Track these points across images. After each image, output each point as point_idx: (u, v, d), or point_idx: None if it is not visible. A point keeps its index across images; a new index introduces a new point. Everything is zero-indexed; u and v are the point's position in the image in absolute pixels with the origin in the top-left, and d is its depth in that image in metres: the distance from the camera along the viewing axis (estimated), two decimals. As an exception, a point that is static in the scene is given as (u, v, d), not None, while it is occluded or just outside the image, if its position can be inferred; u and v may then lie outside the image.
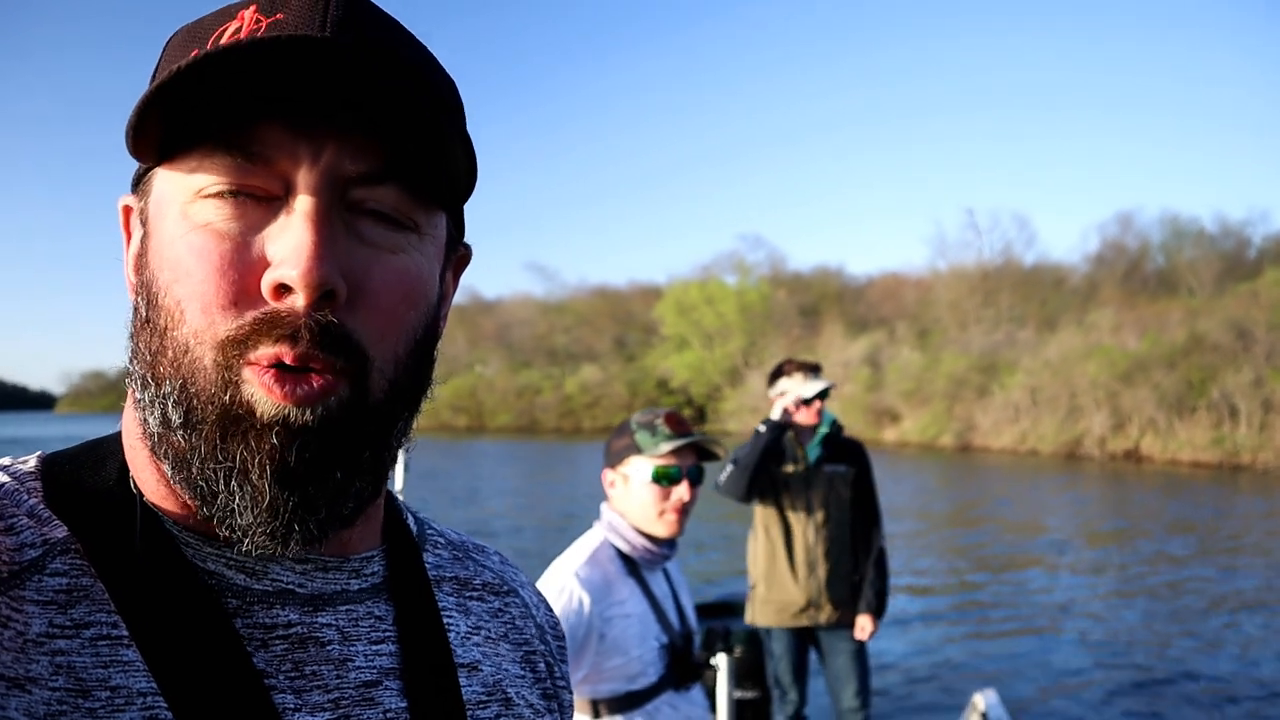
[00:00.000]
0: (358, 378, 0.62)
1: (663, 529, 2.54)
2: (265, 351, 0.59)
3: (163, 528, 0.64)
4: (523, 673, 0.81)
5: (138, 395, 0.64)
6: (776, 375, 4.70)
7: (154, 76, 0.66)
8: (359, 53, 0.58)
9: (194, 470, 0.61)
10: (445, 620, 0.76)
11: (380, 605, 0.72)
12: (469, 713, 0.72)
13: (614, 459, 2.61)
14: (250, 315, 0.59)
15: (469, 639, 0.77)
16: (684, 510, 2.55)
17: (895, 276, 66.39)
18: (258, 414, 0.59)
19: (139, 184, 0.68)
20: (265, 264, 0.60)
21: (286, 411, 0.60)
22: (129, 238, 0.69)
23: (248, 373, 0.60)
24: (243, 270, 0.60)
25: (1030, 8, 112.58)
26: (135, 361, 0.65)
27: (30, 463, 0.67)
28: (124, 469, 0.67)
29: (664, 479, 2.52)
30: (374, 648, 0.69)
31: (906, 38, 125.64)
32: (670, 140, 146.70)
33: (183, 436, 0.61)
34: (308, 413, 0.60)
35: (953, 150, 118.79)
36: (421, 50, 0.68)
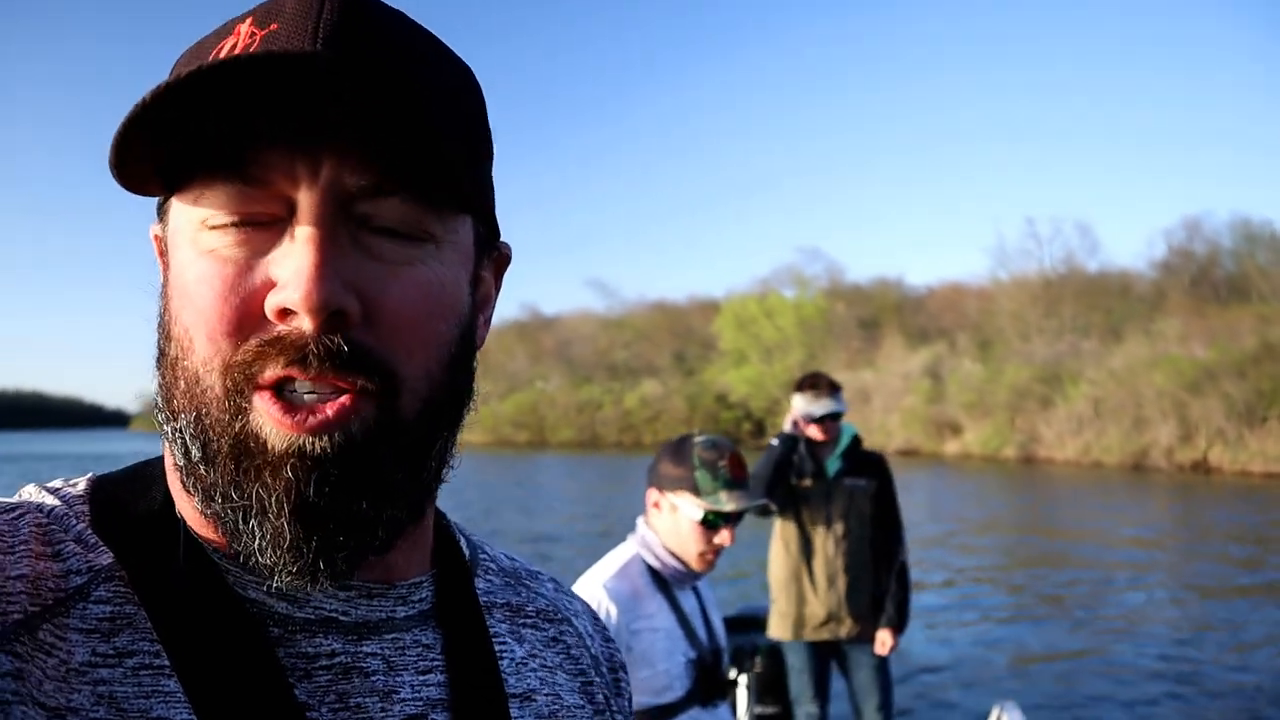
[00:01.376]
0: (386, 397, 0.61)
1: (698, 565, 2.56)
2: (273, 374, 0.58)
3: (205, 555, 0.63)
4: (581, 703, 0.78)
5: (164, 428, 0.64)
6: (795, 390, 4.76)
7: None
8: (346, 64, 0.55)
9: (217, 506, 0.60)
10: (498, 647, 0.74)
11: (428, 633, 0.70)
12: None
13: (667, 484, 2.59)
14: (255, 340, 0.58)
15: (524, 666, 0.75)
16: (720, 552, 2.58)
17: (955, 287, 65.72)
18: (269, 446, 0.58)
19: (160, 211, 0.67)
20: (270, 287, 0.59)
21: (300, 441, 0.58)
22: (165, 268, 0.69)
23: (257, 400, 0.58)
24: (246, 295, 0.59)
25: (1090, 11, 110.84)
26: (159, 394, 0.64)
27: (80, 485, 0.67)
28: (168, 494, 0.67)
29: (711, 524, 2.52)
30: (421, 678, 0.67)
31: (962, 46, 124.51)
32: (728, 155, 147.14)
33: (204, 471, 0.60)
34: (324, 440, 0.58)
35: (1012, 158, 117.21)
36: (424, 48, 0.65)
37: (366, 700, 0.64)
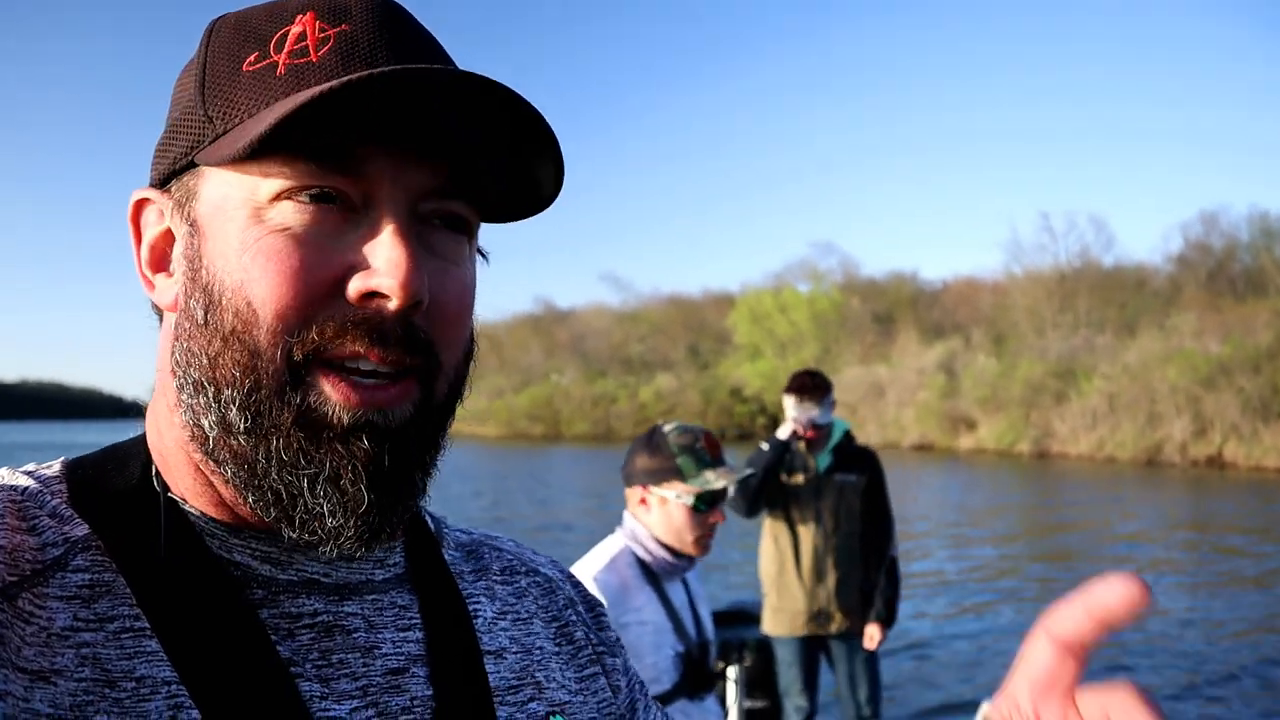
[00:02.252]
0: (427, 381, 0.65)
1: (695, 551, 2.58)
2: (351, 350, 0.61)
3: (187, 522, 0.65)
4: (557, 648, 0.82)
5: (186, 398, 0.64)
6: (787, 391, 4.76)
7: (205, 71, 0.67)
8: (459, 85, 0.60)
9: (266, 475, 0.62)
10: (471, 607, 0.77)
11: (404, 595, 0.73)
12: (498, 698, 0.73)
13: (650, 478, 2.60)
14: (337, 317, 0.61)
15: (495, 624, 0.78)
16: (714, 532, 2.62)
17: (970, 281, 65.60)
18: (338, 420, 0.61)
19: (169, 181, 0.68)
20: (346, 271, 0.62)
21: (370, 416, 0.62)
22: (140, 234, 0.70)
23: (322, 378, 0.62)
24: (324, 275, 0.61)
25: (1106, 7, 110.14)
26: (186, 365, 0.64)
27: (55, 467, 0.69)
28: (147, 467, 0.68)
29: (704, 506, 2.55)
30: (401, 634, 0.70)
31: (976, 41, 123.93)
32: (743, 150, 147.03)
33: (246, 440, 0.62)
34: (390, 416, 0.63)
35: (1027, 152, 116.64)
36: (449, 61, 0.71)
37: (349, 657, 0.66)
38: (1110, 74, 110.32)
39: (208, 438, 0.63)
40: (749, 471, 2.71)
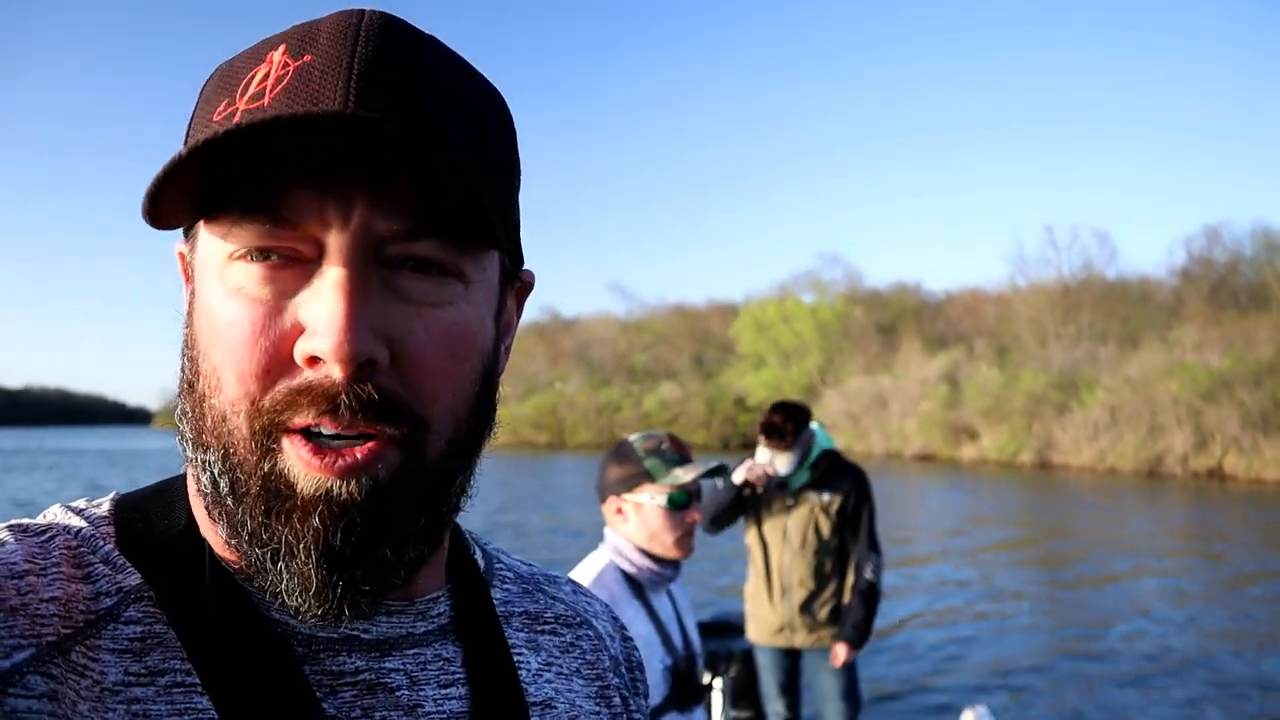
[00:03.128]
0: (411, 443, 0.61)
1: (677, 552, 2.57)
2: (303, 421, 0.58)
3: (229, 576, 0.64)
4: (597, 709, 0.79)
5: (189, 454, 0.63)
6: (762, 430, 4.58)
7: (190, 125, 0.64)
8: (381, 122, 0.54)
9: (244, 544, 0.60)
10: (515, 658, 0.75)
11: (449, 647, 0.71)
12: None
13: (620, 487, 2.60)
14: (285, 385, 0.58)
15: (540, 675, 0.76)
16: (693, 532, 2.61)
17: (974, 293, 65.98)
18: (298, 489, 0.58)
19: (189, 232, 0.66)
20: (299, 330, 0.58)
21: (329, 485, 0.58)
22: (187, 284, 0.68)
23: (286, 443, 0.58)
24: (275, 339, 0.58)
25: (1111, 19, 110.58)
26: (184, 421, 0.63)
27: (105, 506, 0.68)
28: (191, 515, 0.67)
29: (677, 505, 2.55)
30: (443, 691, 0.68)
31: (982, 53, 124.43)
32: (748, 160, 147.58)
33: (232, 505, 0.60)
34: (352, 484, 0.58)
35: (1031, 165, 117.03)
36: (457, 78, 0.64)
37: (391, 714, 0.65)
38: (1115, 88, 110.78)
39: (207, 495, 0.62)
40: (716, 463, 2.64)
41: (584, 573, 2.57)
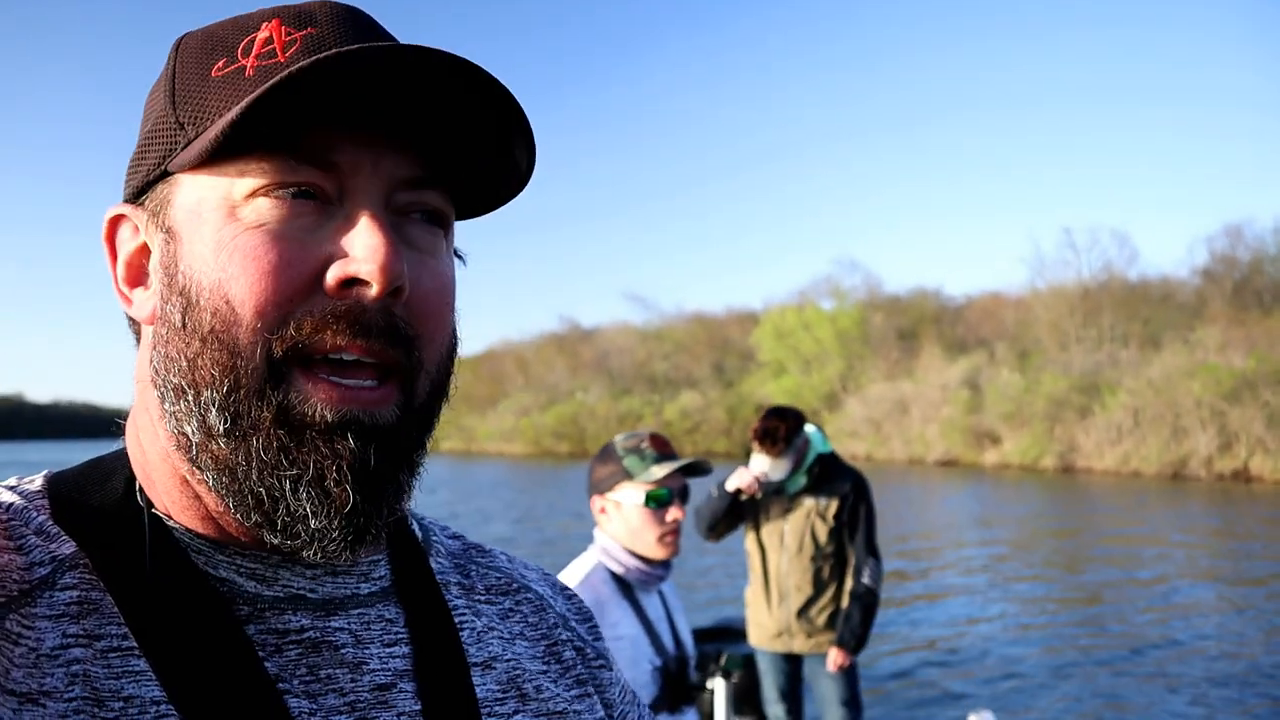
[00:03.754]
0: (408, 381, 0.65)
1: (660, 551, 2.55)
2: (334, 342, 0.60)
3: (172, 538, 0.64)
4: (545, 667, 0.80)
5: (169, 406, 0.64)
6: (755, 435, 4.56)
7: (174, 83, 0.66)
8: (426, 64, 0.59)
9: (247, 477, 0.61)
10: (458, 619, 0.76)
11: (390, 608, 0.72)
12: (486, 709, 0.72)
13: (602, 485, 2.62)
14: (316, 310, 0.61)
15: (484, 636, 0.77)
16: (678, 530, 2.58)
17: (994, 297, 65.82)
18: (321, 417, 0.60)
19: (142, 194, 0.68)
20: (323, 263, 0.61)
21: (356, 414, 0.61)
22: (115, 252, 0.70)
23: (304, 378, 0.61)
24: (302, 270, 0.61)
25: (1127, 18, 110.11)
26: (165, 371, 0.64)
27: (37, 482, 0.68)
28: (130, 482, 0.67)
29: (656, 503, 2.54)
30: (388, 650, 0.69)
31: (998, 56, 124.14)
32: (765, 167, 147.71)
33: (226, 444, 0.61)
34: (375, 414, 0.62)
35: (1048, 167, 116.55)
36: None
37: (336, 672, 0.65)
38: (1131, 87, 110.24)
39: (191, 444, 0.62)
40: (692, 460, 2.60)
41: (572, 574, 2.56)
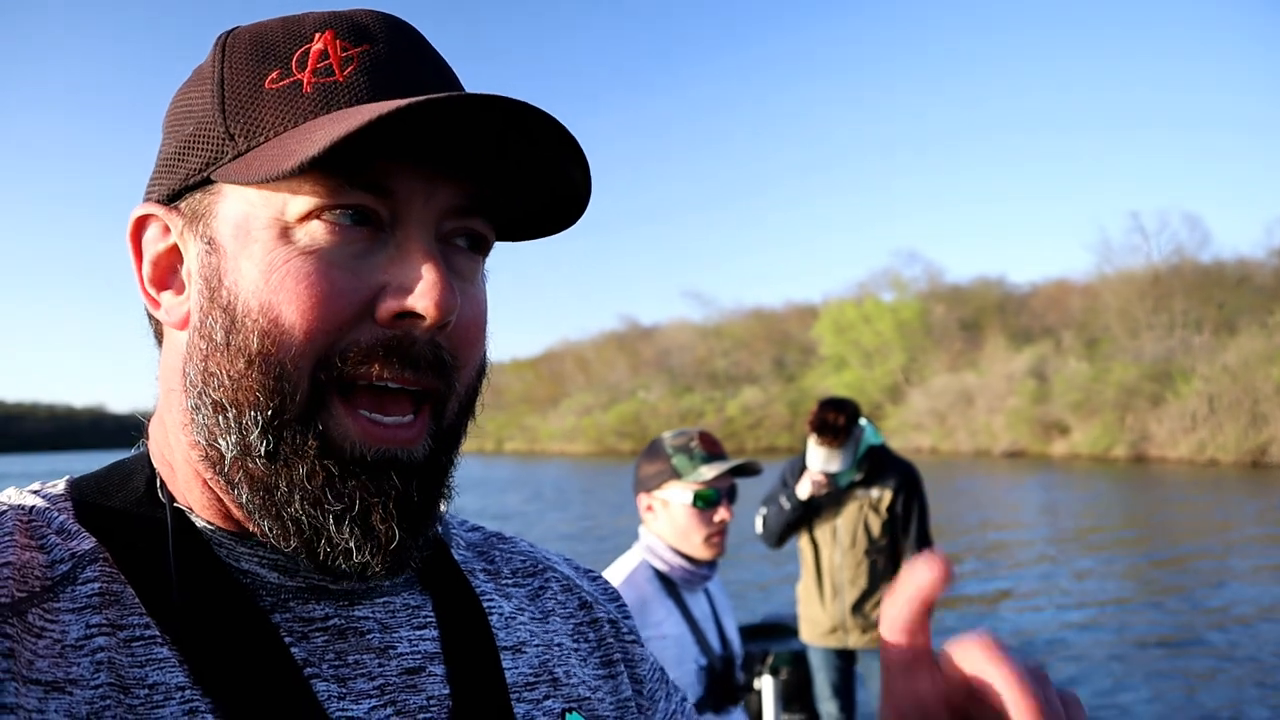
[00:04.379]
0: (440, 406, 0.66)
1: (706, 552, 2.53)
2: (380, 373, 0.61)
3: (194, 531, 0.65)
4: (576, 644, 0.81)
5: (202, 418, 0.63)
6: (812, 427, 4.50)
7: (223, 87, 0.65)
8: (490, 106, 0.59)
9: (288, 503, 0.61)
10: (486, 604, 0.77)
11: (416, 595, 0.73)
12: (515, 694, 0.72)
13: (650, 483, 2.59)
14: (364, 339, 0.61)
15: (514, 619, 0.78)
16: (725, 531, 2.56)
17: (1060, 284, 64.40)
18: (361, 454, 0.62)
19: (177, 198, 0.67)
20: (375, 292, 0.61)
21: (395, 453, 0.62)
22: (141, 251, 0.69)
23: (344, 409, 0.62)
24: (355, 298, 0.61)
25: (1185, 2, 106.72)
26: (203, 385, 0.63)
27: (60, 485, 0.69)
28: (151, 481, 0.68)
29: (704, 503, 2.51)
30: (416, 634, 0.70)
31: (1062, 36, 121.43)
32: (822, 160, 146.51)
33: (266, 466, 0.61)
34: (410, 453, 0.63)
35: (1114, 150, 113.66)
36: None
37: (364, 657, 0.66)
38: (1201, 66, 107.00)
39: (224, 459, 0.63)
40: (743, 461, 2.57)
41: (616, 572, 2.54)
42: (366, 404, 0.62)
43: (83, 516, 0.65)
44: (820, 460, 4.44)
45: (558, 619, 0.82)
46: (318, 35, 0.64)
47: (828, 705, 4.62)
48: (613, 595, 0.90)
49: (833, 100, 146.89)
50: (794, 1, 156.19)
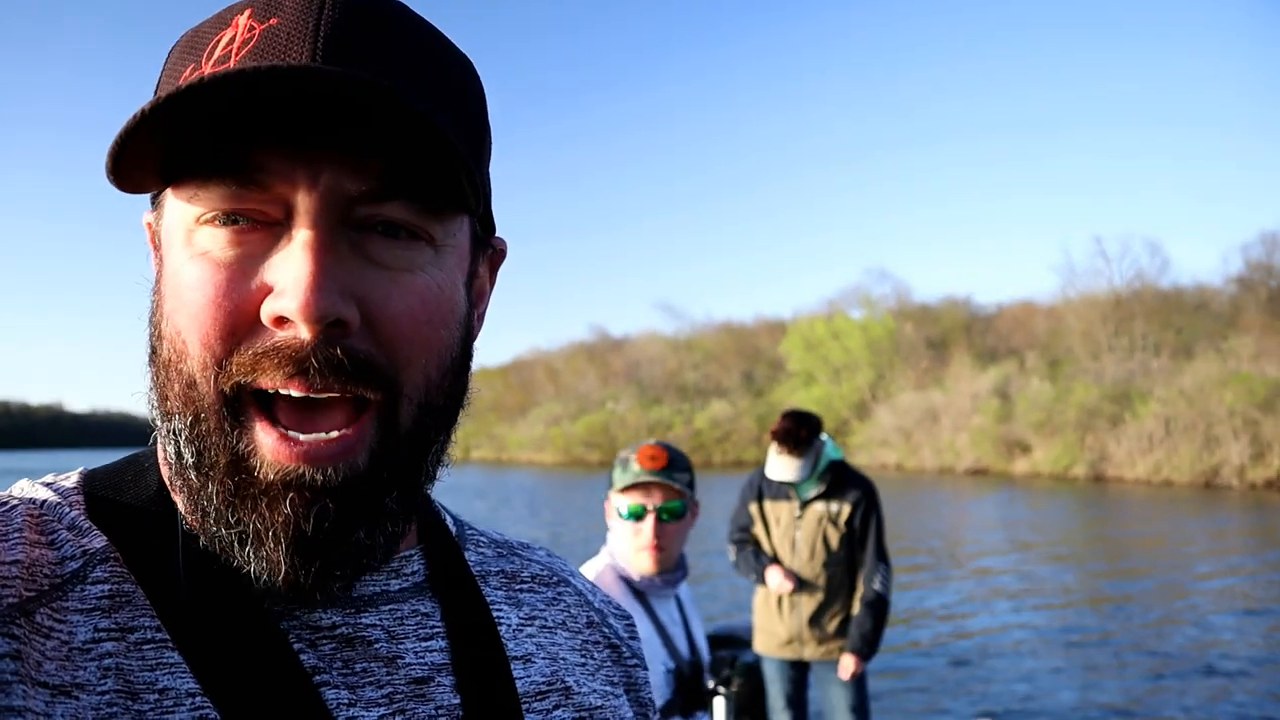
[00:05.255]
0: (386, 408, 0.60)
1: (640, 563, 2.53)
2: (271, 384, 0.57)
3: (201, 535, 0.62)
4: (582, 661, 0.79)
5: (157, 425, 0.63)
6: (774, 435, 4.57)
7: (156, 89, 0.63)
8: (344, 72, 0.54)
9: (209, 523, 0.59)
10: (495, 614, 0.75)
11: (425, 603, 0.70)
12: (525, 704, 0.70)
13: (608, 490, 2.64)
14: (252, 348, 0.57)
15: (522, 631, 0.76)
16: (659, 548, 2.52)
17: (1025, 305, 65.67)
18: (266, 473, 0.57)
19: (156, 201, 0.65)
20: (266, 291, 0.57)
21: (300, 472, 0.57)
22: (155, 253, 0.67)
23: (257, 424, 0.58)
24: (241, 301, 0.57)
25: (1157, 28, 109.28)
26: (149, 393, 0.63)
27: (73, 479, 0.67)
28: (162, 481, 0.66)
29: (633, 516, 2.53)
30: (423, 644, 0.68)
31: (1027, 60, 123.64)
32: (794, 176, 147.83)
33: (196, 477, 0.59)
34: (328, 471, 0.58)
35: (1080, 175, 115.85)
36: (426, 44, 0.63)
37: (372, 665, 0.64)
38: (1164, 93, 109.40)
39: (173, 465, 0.62)
40: (645, 479, 2.57)
41: (584, 574, 2.46)
42: (287, 417, 0.58)
43: (94, 513, 0.64)
44: (779, 469, 4.52)
45: (566, 633, 0.80)
46: (236, 19, 0.60)
47: (781, 717, 4.61)
48: (622, 615, 0.90)
49: (808, 117, 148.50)
50: (767, 18, 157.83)
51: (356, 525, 0.60)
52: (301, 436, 0.58)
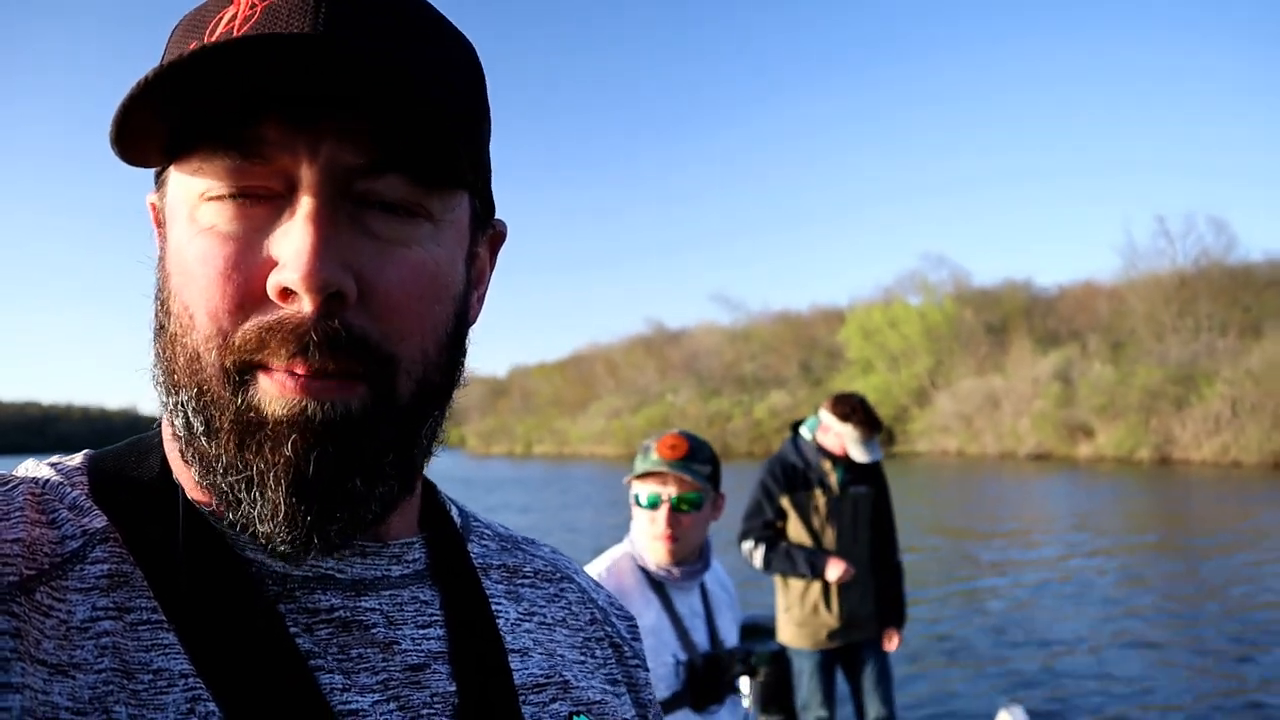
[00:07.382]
0: (382, 380, 0.61)
1: (655, 552, 2.50)
2: (278, 363, 0.58)
3: (203, 518, 0.64)
4: (582, 658, 0.79)
5: (163, 399, 0.64)
6: (840, 413, 4.64)
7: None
8: (346, 44, 0.55)
9: (217, 477, 0.60)
10: (494, 607, 0.75)
11: (425, 591, 0.71)
12: (522, 696, 0.71)
13: (631, 475, 2.61)
14: (257, 321, 0.58)
15: (519, 625, 0.76)
16: (673, 538, 2.49)
17: (1087, 287, 64.52)
18: (271, 415, 0.58)
19: (159, 180, 0.66)
20: (271, 265, 0.58)
21: (304, 406, 0.58)
22: (159, 231, 0.67)
23: (261, 376, 0.59)
24: (247, 274, 0.58)
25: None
26: (154, 367, 0.64)
27: (77, 459, 0.68)
28: (165, 462, 0.67)
29: (648, 505, 2.51)
30: (421, 631, 0.68)
31: (1084, 41, 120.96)
32: (848, 163, 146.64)
33: (206, 442, 0.60)
34: (326, 407, 0.58)
35: (1141, 153, 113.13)
36: (425, 22, 0.65)
37: (368, 651, 0.65)
38: (1227, 67, 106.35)
39: (181, 438, 0.62)
40: (658, 468, 2.55)
41: (599, 561, 2.55)
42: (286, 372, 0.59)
43: (97, 493, 0.64)
44: (865, 451, 4.61)
45: (567, 630, 0.81)
46: None
47: (818, 711, 4.64)
48: (625, 615, 0.90)
49: (862, 105, 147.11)
50: (822, 6, 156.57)
51: (353, 472, 0.60)
52: (302, 372, 0.58)
